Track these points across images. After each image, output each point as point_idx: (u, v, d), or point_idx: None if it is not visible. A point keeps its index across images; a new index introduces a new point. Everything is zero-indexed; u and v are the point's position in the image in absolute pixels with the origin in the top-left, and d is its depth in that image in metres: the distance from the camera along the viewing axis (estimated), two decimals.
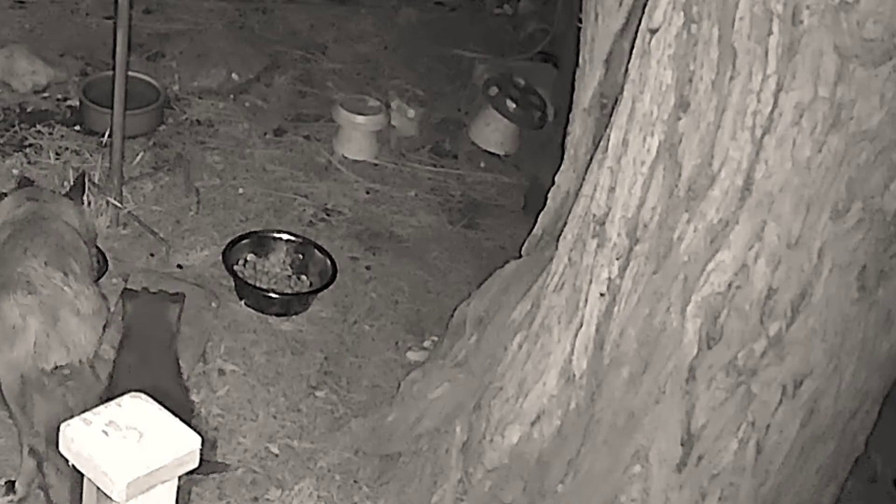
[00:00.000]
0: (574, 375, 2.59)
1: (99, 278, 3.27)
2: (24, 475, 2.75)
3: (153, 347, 2.96)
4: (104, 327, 2.89)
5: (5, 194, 3.21)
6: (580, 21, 3.12)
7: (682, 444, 2.44)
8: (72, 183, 3.44)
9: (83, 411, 2.66)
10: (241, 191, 4.08)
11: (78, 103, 4.27)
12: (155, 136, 4.25)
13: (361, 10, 5.41)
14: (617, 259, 2.48)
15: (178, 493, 1.34)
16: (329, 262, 3.67)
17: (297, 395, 3.25)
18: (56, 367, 2.64)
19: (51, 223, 2.93)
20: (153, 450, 1.29)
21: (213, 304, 3.45)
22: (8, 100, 4.30)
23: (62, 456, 1.32)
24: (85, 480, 1.32)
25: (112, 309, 3.07)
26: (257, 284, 3.60)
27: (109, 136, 3.65)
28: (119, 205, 3.69)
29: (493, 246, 4.06)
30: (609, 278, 2.50)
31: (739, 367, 2.36)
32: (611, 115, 2.53)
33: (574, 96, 3.10)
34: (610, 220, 2.48)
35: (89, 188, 3.66)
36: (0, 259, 2.81)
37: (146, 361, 2.89)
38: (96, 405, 2.51)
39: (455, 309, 3.22)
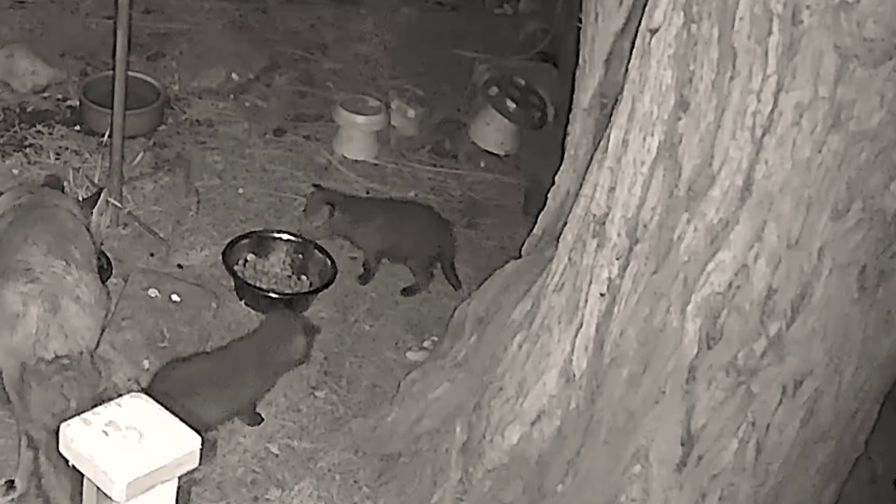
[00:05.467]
0: (574, 375, 2.59)
1: (104, 281, 3.26)
2: (24, 469, 2.75)
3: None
4: (105, 318, 2.89)
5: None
6: (580, 21, 3.12)
7: (682, 444, 2.44)
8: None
9: (79, 402, 2.66)
10: (241, 191, 4.08)
11: (78, 103, 4.27)
12: (155, 136, 4.25)
13: (361, 10, 5.41)
14: (617, 259, 2.48)
15: (177, 492, 1.34)
16: (329, 262, 3.67)
17: (297, 395, 3.25)
18: (56, 357, 2.65)
19: (51, 210, 2.93)
20: (153, 450, 1.29)
21: (213, 304, 3.45)
22: (8, 100, 4.30)
23: (58, 447, 1.32)
24: (85, 480, 1.32)
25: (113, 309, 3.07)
26: (257, 284, 3.60)
27: (109, 136, 3.64)
28: (119, 205, 3.68)
29: (493, 246, 4.05)
30: (609, 278, 2.50)
31: (739, 367, 2.36)
32: (611, 115, 2.53)
33: (574, 96, 3.10)
34: (610, 220, 2.48)
35: (88, 188, 3.67)
36: (0, 247, 2.81)
37: None
38: (93, 396, 2.51)
39: (455, 309, 3.23)
